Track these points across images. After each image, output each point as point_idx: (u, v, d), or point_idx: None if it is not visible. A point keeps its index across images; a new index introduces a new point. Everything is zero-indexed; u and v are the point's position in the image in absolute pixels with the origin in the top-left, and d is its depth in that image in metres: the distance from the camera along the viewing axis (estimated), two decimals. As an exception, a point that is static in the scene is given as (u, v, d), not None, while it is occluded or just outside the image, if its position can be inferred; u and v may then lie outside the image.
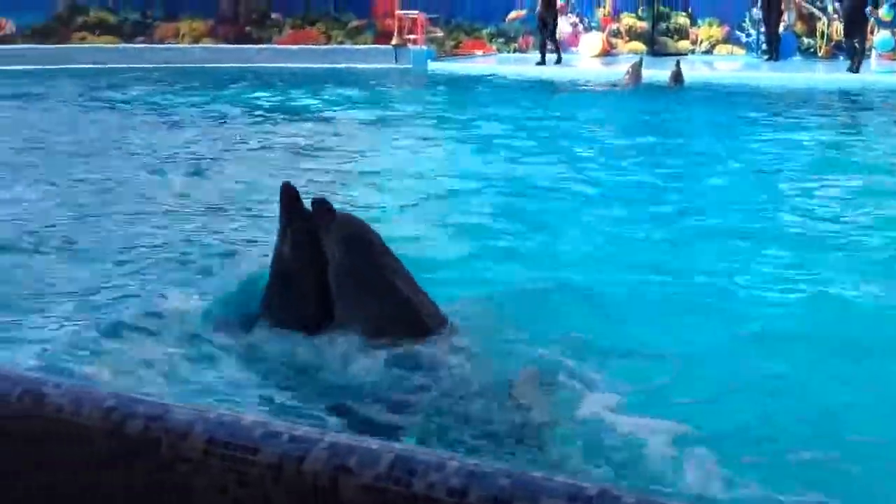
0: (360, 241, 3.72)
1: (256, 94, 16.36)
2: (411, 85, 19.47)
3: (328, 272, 3.69)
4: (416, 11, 23.22)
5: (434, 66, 21.99)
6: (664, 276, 5.23)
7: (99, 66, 20.86)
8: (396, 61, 22.87)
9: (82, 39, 23.26)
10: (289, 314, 3.80)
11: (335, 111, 14.07)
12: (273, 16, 24.67)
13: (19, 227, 6.14)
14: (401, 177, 8.48)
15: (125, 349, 3.72)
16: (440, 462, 1.16)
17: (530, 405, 3.26)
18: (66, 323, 4.17)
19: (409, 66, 22.36)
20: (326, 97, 15.92)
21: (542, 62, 20.84)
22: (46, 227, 6.20)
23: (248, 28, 24.44)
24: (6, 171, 8.49)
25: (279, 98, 15.94)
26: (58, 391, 1.47)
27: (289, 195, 3.86)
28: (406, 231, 6.11)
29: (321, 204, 3.79)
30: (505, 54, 24.45)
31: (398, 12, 23.53)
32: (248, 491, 1.28)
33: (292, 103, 15.14)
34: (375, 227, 4.01)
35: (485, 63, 22.77)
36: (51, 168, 8.77)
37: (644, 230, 6.46)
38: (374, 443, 1.26)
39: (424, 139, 11.39)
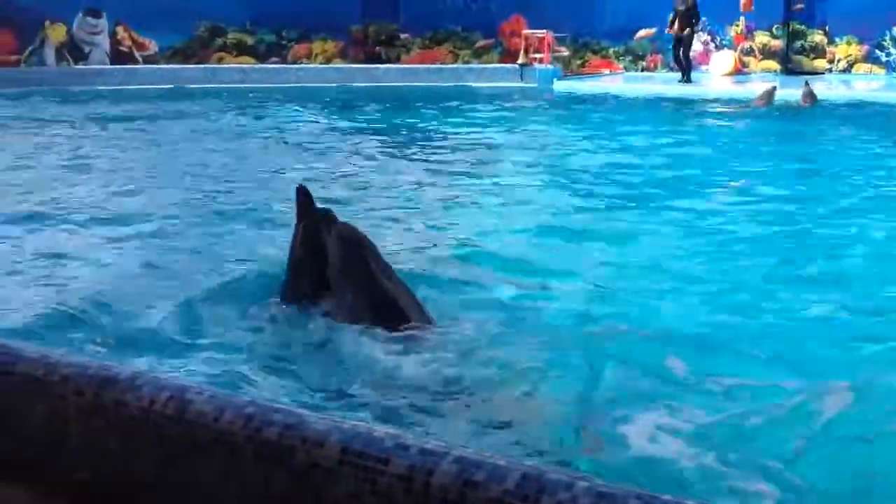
0: (354, 242, 4.24)
1: (382, 112, 16.72)
2: (536, 103, 19.47)
3: (327, 266, 4.24)
4: (544, 30, 23.24)
5: (560, 85, 21.94)
6: (795, 304, 5.04)
7: (235, 85, 21.75)
8: (522, 80, 22.95)
9: (220, 60, 24.25)
10: (295, 300, 4.41)
11: (459, 129, 14.17)
12: (402, 36, 25.13)
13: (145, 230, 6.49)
14: (522, 197, 8.43)
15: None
16: (569, 482, 1.17)
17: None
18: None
19: (535, 84, 22.39)
20: (451, 115, 16.08)
21: (686, 80, 20.72)
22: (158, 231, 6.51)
23: (377, 48, 25.00)
24: (142, 181, 8.97)
25: (404, 116, 16.17)
26: (201, 397, 1.55)
27: (303, 196, 4.42)
28: (533, 252, 6.12)
29: (325, 211, 4.46)
30: (633, 73, 24.21)
31: (525, 31, 23.60)
32: (379, 500, 1.32)
33: (417, 121, 15.33)
34: (504, 247, 4.07)
35: (612, 82, 22.60)
36: (175, 178, 9.16)
37: (774, 256, 6.26)
38: (501, 459, 1.28)
39: (547, 157, 11.36)
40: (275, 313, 4.39)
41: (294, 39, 24.79)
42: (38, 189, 8.50)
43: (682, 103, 18.39)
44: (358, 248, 4.21)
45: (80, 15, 23.51)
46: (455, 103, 18.13)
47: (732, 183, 9.48)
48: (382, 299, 4.10)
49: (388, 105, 17.92)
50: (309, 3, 23.92)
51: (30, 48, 23.27)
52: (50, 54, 23.40)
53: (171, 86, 21.10)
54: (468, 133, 13.75)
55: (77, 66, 23.30)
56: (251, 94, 19.86)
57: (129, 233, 6.64)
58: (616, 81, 22.71)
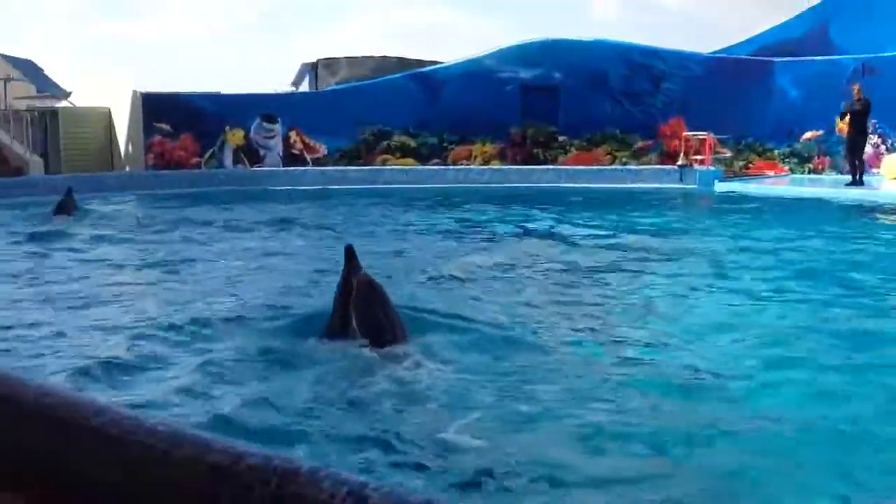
0: (366, 286, 5.84)
1: (536, 213, 16.85)
2: (696, 206, 19.18)
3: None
4: (706, 132, 23.03)
5: (721, 187, 21.57)
6: None
7: (398, 185, 22.53)
8: (682, 181, 22.72)
9: (384, 161, 25.23)
10: (332, 329, 5.89)
11: (616, 231, 14.09)
12: (560, 138, 25.47)
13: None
14: (680, 305, 8.23)
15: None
16: None
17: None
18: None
19: (695, 186, 22.11)
20: (608, 217, 16.02)
21: (856, 182, 19.89)
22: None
23: (535, 149, 25.41)
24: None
25: (560, 217, 16.22)
26: (379, 493, 1.58)
27: (348, 252, 5.92)
28: (697, 359, 5.97)
29: (350, 257, 5.90)
30: (798, 175, 23.56)
31: (686, 133, 23.47)
32: None
33: (573, 222, 15.32)
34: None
35: (776, 184, 22.03)
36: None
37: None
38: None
39: (707, 262, 11.08)
40: (315, 342, 5.90)
41: (455, 142, 25.55)
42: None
43: (852, 207, 17.68)
44: (369, 289, 5.83)
45: (258, 120, 25.08)
46: (612, 204, 18.10)
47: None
48: (375, 324, 5.79)
49: (544, 205, 18.06)
50: (470, 107, 24.71)
51: (210, 151, 24.93)
52: (228, 156, 24.99)
53: (335, 186, 22.08)
54: (626, 235, 13.66)
55: (252, 169, 24.75)
56: (410, 194, 20.52)
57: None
58: (781, 183, 22.12)
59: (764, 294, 8.61)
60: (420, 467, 3.96)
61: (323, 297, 6.67)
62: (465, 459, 4.07)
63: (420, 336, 5.90)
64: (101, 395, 5.14)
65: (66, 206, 15.60)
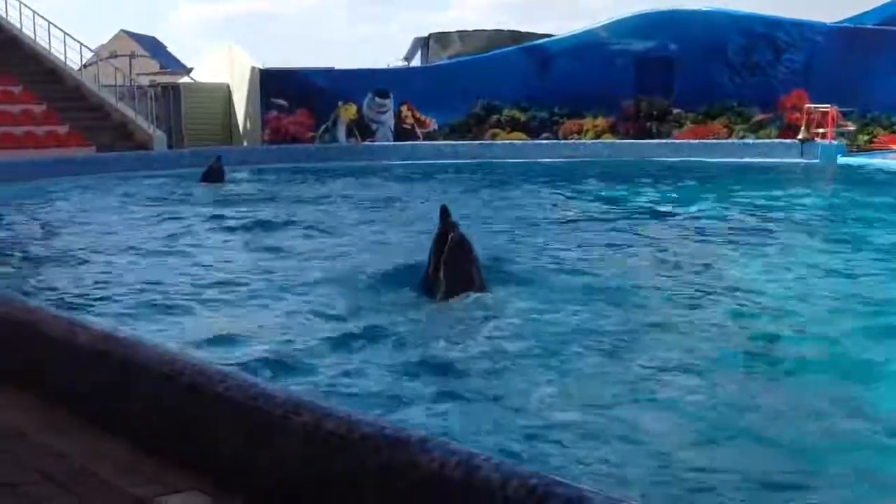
0: (457, 241, 6.78)
1: (646, 188, 16.55)
2: (818, 181, 18.51)
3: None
4: (828, 105, 22.13)
5: (844, 161, 20.76)
6: None
7: (508, 160, 22.49)
8: (802, 156, 21.96)
9: (494, 136, 25.19)
10: (427, 278, 6.98)
11: (731, 207, 13.75)
12: (675, 111, 24.90)
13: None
14: (804, 286, 7.98)
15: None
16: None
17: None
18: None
19: (817, 160, 21.35)
20: (724, 192, 15.61)
21: None
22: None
23: (648, 124, 24.92)
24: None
25: (672, 192, 15.93)
26: (489, 464, 1.62)
27: (444, 210, 6.97)
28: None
29: (444, 215, 6.93)
30: (927, 149, 22.45)
31: (807, 106, 22.62)
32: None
33: (686, 198, 15.00)
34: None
35: (903, 158, 21.06)
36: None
37: None
38: None
39: (827, 240, 10.73)
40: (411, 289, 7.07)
41: (565, 115, 25.29)
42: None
43: None
44: (458, 245, 6.77)
45: (370, 95, 25.38)
46: (727, 179, 17.64)
47: None
48: (461, 276, 6.73)
49: (662, 180, 17.69)
50: (581, 80, 24.39)
51: (323, 126, 25.38)
52: (341, 131, 25.40)
53: (449, 161, 22.20)
54: (743, 210, 13.33)
55: (364, 143, 25.10)
56: (520, 168, 20.47)
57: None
58: (908, 158, 21.14)
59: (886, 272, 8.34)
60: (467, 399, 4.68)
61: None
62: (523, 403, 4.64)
63: (499, 287, 7.03)
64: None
65: (215, 174, 17.48)
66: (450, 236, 6.72)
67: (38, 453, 2.44)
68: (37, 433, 2.54)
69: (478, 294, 6.70)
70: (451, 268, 6.68)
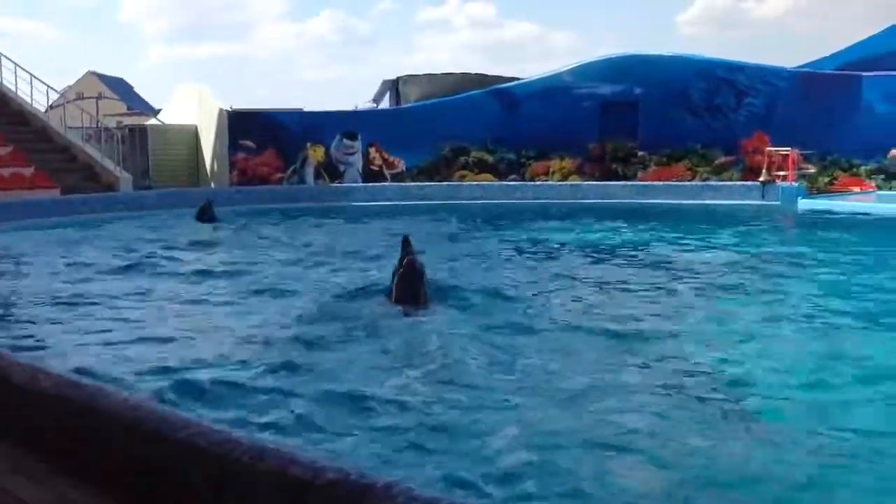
0: (409, 266, 8.53)
1: (615, 229, 16.74)
2: (779, 223, 18.80)
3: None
4: (789, 148, 22.56)
5: (805, 204, 21.12)
6: None
7: (475, 201, 22.64)
8: (764, 198, 22.31)
9: (462, 177, 25.36)
10: (389, 294, 8.73)
11: (695, 248, 13.93)
12: (639, 154, 25.24)
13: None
14: (762, 325, 8.10)
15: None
16: None
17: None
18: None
19: (778, 203, 21.70)
20: (689, 233, 15.82)
21: None
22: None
23: (614, 165, 25.22)
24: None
25: (638, 233, 16.10)
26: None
27: (405, 239, 8.86)
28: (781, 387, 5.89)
29: (405, 244, 8.82)
30: (886, 192, 22.89)
31: (769, 149, 23.03)
32: None
33: (651, 239, 15.19)
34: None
35: (862, 200, 21.47)
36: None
37: None
38: None
39: (789, 280, 10.88)
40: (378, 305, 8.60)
41: (533, 157, 25.54)
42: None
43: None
44: (411, 268, 8.51)
45: (338, 137, 25.49)
46: (692, 220, 17.87)
47: None
48: (409, 292, 8.44)
49: (623, 221, 17.91)
50: (548, 123, 24.69)
51: (292, 167, 25.43)
52: (310, 173, 25.45)
53: (419, 202, 22.33)
54: (705, 251, 13.50)
55: (332, 185, 25.14)
56: (488, 210, 20.62)
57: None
58: (868, 200, 21.55)
59: (849, 317, 8.43)
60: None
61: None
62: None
63: (441, 303, 8.56)
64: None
65: (206, 214, 18.37)
66: (405, 260, 8.50)
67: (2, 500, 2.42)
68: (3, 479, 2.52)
69: (422, 307, 8.41)
70: (403, 284, 8.45)
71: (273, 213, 20.26)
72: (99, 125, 26.20)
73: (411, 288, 8.41)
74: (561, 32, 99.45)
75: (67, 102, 29.93)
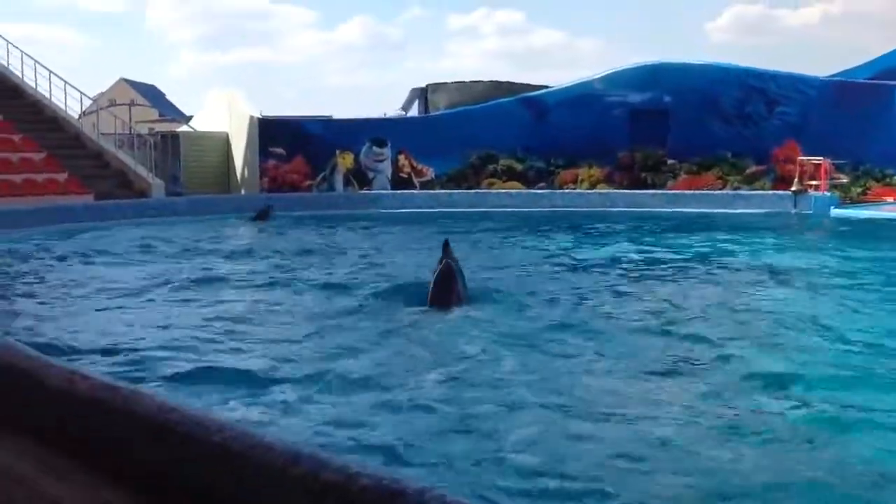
0: (446, 270, 8.93)
1: (643, 238, 16.64)
2: (811, 232, 18.62)
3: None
4: (821, 157, 22.33)
5: (837, 213, 20.90)
6: None
7: (504, 209, 22.62)
8: (796, 207, 22.11)
9: (491, 185, 25.35)
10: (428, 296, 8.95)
11: (725, 257, 13.83)
12: (669, 162, 25.09)
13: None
14: (794, 333, 8.02)
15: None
16: None
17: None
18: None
19: (810, 212, 21.49)
20: (718, 243, 15.70)
21: None
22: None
23: (643, 174, 25.08)
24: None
25: (667, 242, 16.01)
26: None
27: (445, 243, 9.39)
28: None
29: (446, 247, 9.38)
30: (920, 201, 22.59)
31: (800, 158, 22.81)
32: None
33: (681, 248, 15.08)
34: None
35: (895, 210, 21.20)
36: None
37: None
38: None
39: (819, 291, 10.76)
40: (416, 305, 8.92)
41: (562, 165, 25.47)
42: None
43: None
44: (447, 272, 8.89)
45: (367, 144, 25.58)
46: (719, 230, 17.75)
47: None
48: (448, 292, 8.79)
49: (652, 230, 17.82)
50: (577, 131, 24.62)
51: (321, 174, 25.54)
52: (339, 180, 25.55)
53: (447, 210, 22.36)
54: (735, 261, 13.40)
55: (362, 192, 25.23)
56: (516, 218, 20.61)
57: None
58: (902, 210, 21.28)
59: (879, 326, 8.34)
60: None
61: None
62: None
63: (479, 305, 8.88)
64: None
65: (265, 214, 20.48)
66: (444, 262, 8.98)
67: (35, 498, 2.44)
68: (35, 478, 2.53)
69: (460, 307, 8.78)
70: (441, 285, 8.82)
71: (308, 220, 20.40)
72: (131, 132, 26.47)
73: (447, 290, 8.79)
74: (588, 40, 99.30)
75: (100, 109, 30.26)
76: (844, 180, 23.21)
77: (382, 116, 30.36)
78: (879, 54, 26.67)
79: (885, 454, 4.73)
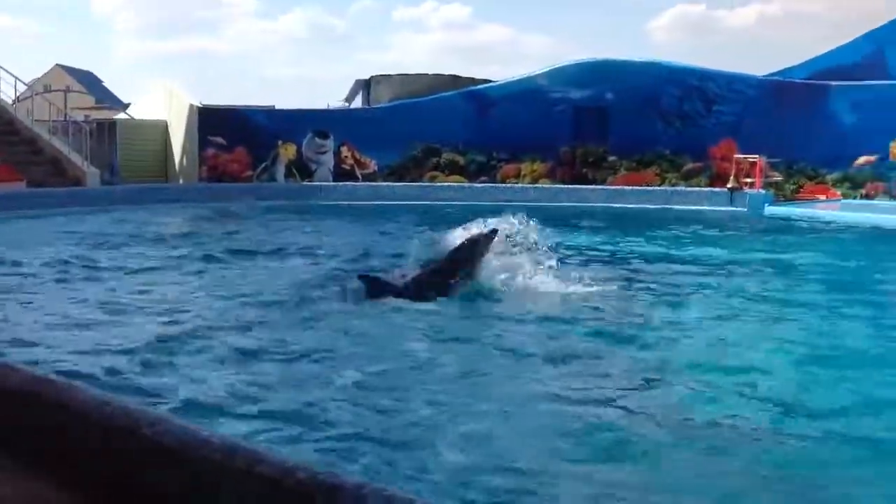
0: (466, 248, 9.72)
1: (583, 233, 16.83)
2: (746, 229, 19.00)
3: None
4: (756, 155, 22.81)
5: (772, 211, 21.35)
6: None
7: (445, 202, 22.64)
8: (732, 204, 22.54)
9: (433, 178, 25.37)
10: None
11: (663, 253, 14.03)
12: (610, 158, 25.38)
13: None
14: (725, 331, 8.18)
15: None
16: None
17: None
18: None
19: (745, 209, 21.92)
20: (656, 238, 15.95)
21: None
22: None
23: (584, 170, 25.33)
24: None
25: (605, 238, 16.19)
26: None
27: (493, 231, 9.88)
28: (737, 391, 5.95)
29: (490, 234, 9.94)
30: (850, 200, 23.21)
31: (737, 156, 23.27)
32: None
33: (619, 244, 15.27)
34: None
35: (827, 208, 21.75)
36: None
37: None
38: None
39: (754, 287, 10.98)
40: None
41: (504, 160, 25.59)
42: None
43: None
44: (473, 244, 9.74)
45: (310, 135, 25.40)
46: (660, 226, 18.01)
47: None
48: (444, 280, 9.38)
49: (593, 225, 18.01)
50: (520, 126, 24.76)
51: (262, 165, 25.29)
52: (280, 171, 25.32)
53: (388, 203, 22.29)
54: (673, 256, 13.60)
55: (304, 183, 25.04)
56: (457, 211, 20.62)
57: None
58: (833, 208, 21.84)
59: (810, 321, 8.54)
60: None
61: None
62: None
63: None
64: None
65: None
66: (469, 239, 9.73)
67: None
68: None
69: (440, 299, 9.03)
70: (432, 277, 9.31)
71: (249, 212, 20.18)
72: (66, 118, 25.90)
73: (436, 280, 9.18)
74: (534, 36, 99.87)
75: (35, 95, 29.55)
76: (779, 178, 23.73)
77: (326, 108, 30.18)
78: (816, 54, 27.26)
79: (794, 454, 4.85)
